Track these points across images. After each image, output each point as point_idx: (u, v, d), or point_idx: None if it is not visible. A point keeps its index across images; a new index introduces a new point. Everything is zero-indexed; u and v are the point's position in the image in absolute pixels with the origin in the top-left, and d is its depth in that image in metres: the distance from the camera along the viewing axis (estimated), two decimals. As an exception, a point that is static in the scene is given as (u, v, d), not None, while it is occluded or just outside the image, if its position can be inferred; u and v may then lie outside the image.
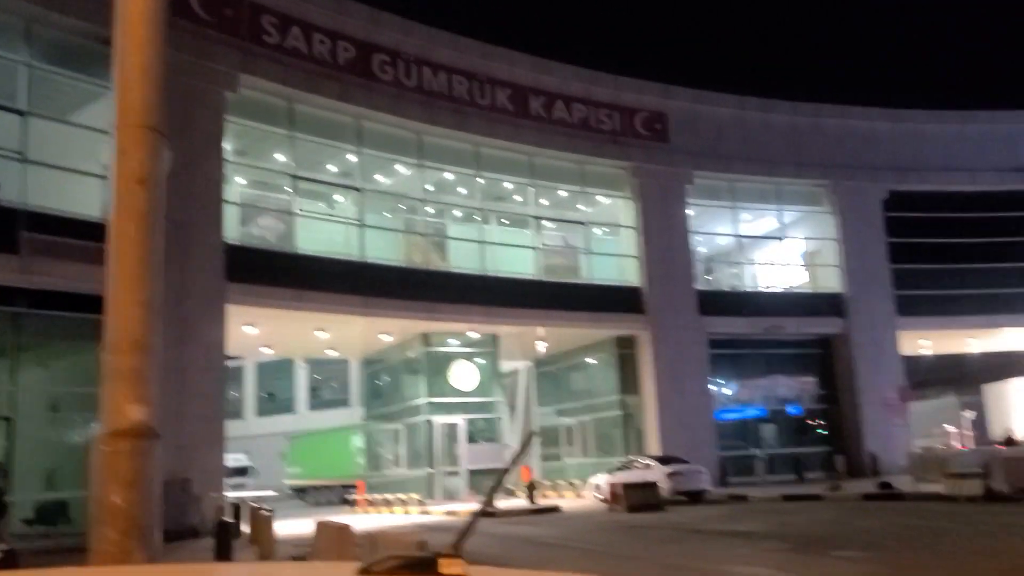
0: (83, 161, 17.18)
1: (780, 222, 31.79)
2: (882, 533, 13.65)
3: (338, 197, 25.17)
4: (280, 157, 23.18)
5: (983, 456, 20.16)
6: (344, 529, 9.63)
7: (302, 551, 11.85)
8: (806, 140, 30.79)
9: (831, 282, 31.06)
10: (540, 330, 26.85)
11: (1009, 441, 28.16)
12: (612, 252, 29.03)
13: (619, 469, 24.13)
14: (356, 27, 23.71)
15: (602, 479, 24.18)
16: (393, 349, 28.09)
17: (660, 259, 28.03)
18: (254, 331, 23.22)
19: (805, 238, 32.40)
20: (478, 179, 26.51)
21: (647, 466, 23.32)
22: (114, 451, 5.13)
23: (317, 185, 24.51)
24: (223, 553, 12.17)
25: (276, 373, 47.45)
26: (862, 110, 31.99)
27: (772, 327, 29.05)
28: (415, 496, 25.36)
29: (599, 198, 29.27)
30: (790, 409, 30.64)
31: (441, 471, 26.01)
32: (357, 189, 24.31)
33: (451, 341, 26.96)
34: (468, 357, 27.13)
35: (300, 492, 38.18)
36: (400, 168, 25.70)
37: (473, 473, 25.80)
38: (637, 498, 20.42)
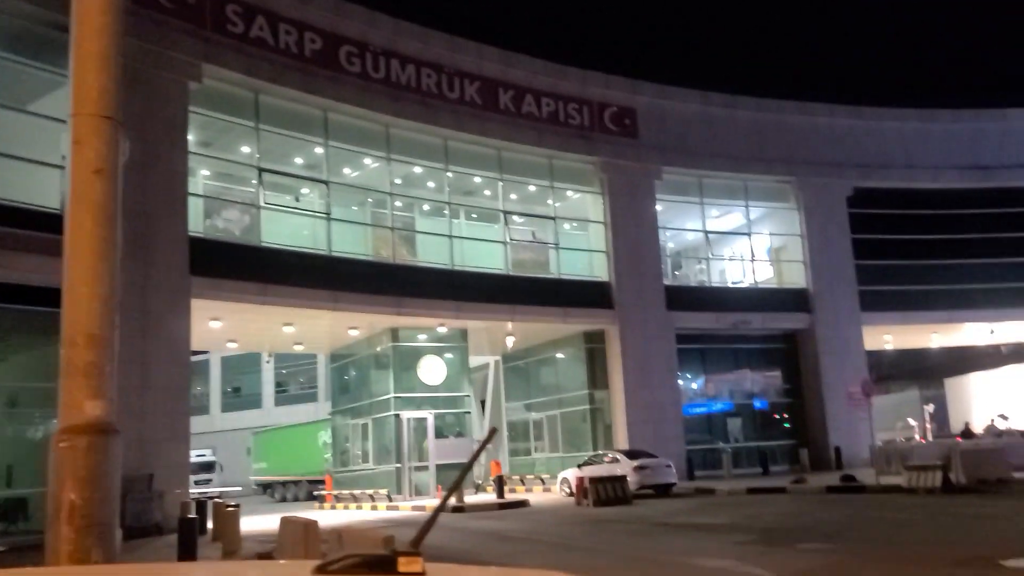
0: (41, 151, 16.80)
1: (747, 218, 32.08)
2: (844, 525, 13.85)
3: (305, 190, 24.92)
4: (246, 149, 22.88)
5: (943, 449, 20.53)
6: (310, 525, 9.54)
7: (268, 547, 11.73)
8: (771, 136, 31.10)
9: (797, 278, 31.44)
10: (509, 325, 26.85)
11: (967, 434, 28.74)
12: (581, 247, 29.09)
13: (587, 463, 24.23)
14: (322, 18, 23.46)
15: (570, 473, 24.26)
16: (361, 344, 27.92)
17: (629, 254, 28.16)
18: (219, 325, 22.95)
19: (771, 234, 32.75)
20: (447, 173, 26.40)
21: (615, 460, 23.44)
22: (71, 447, 5.02)
23: (283, 178, 24.23)
24: (186, 550, 12.01)
25: (242, 368, 47.01)
26: (825, 107, 32.37)
27: (739, 322, 29.33)
28: (383, 491, 25.26)
29: (568, 193, 29.31)
30: (756, 403, 30.98)
31: (409, 466, 25.94)
32: (324, 182, 24.08)
33: (420, 336, 26.86)
34: (437, 352, 27.05)
35: (266, 488, 37.92)
36: (368, 161, 25.51)
37: (442, 468, 25.75)
38: (605, 492, 20.53)
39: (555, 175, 28.26)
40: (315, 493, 30.23)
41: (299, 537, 9.48)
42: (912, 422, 35.34)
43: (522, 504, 22.41)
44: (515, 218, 28.34)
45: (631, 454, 23.79)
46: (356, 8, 24.47)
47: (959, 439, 25.90)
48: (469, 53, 26.45)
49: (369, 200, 26.01)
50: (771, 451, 29.41)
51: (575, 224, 29.71)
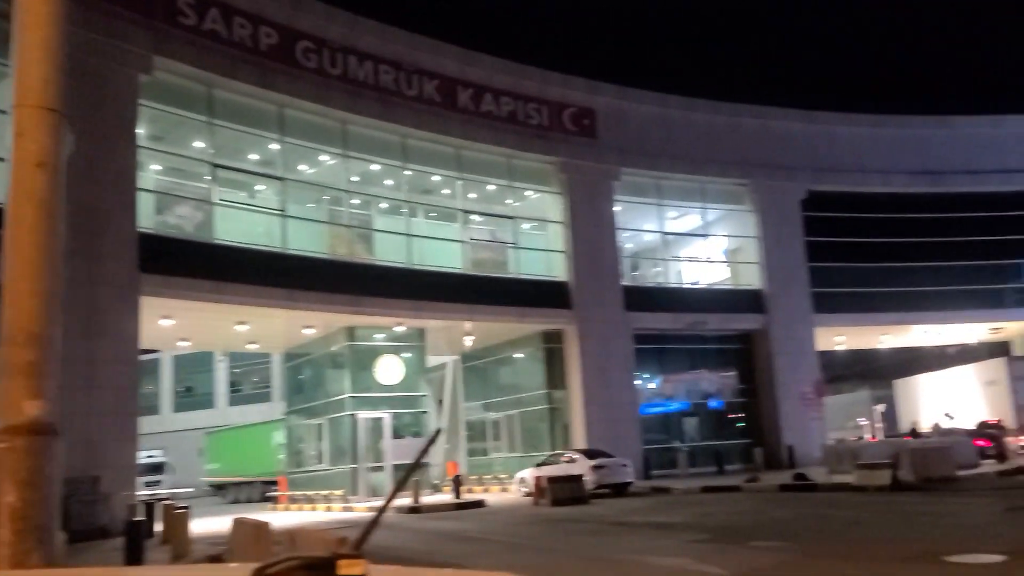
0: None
1: (704, 220, 32.44)
2: (796, 523, 14.06)
3: (260, 186, 24.54)
4: (199, 144, 22.45)
5: (892, 448, 20.96)
6: (261, 527, 9.38)
7: (219, 550, 11.51)
8: (727, 139, 31.45)
9: (752, 279, 31.86)
10: (467, 324, 26.76)
11: (915, 433, 29.43)
12: (540, 247, 29.09)
13: (545, 463, 24.25)
14: (278, 11, 23.11)
15: (528, 473, 24.26)
16: (317, 343, 27.59)
17: (587, 254, 28.26)
18: (170, 323, 22.45)
19: (727, 236, 33.15)
20: (405, 171, 26.21)
21: (572, 460, 23.50)
22: (9, 448, 4.86)
23: (237, 174, 23.83)
24: (133, 554, 11.73)
25: (195, 367, 46.19)
26: (778, 111, 32.83)
27: (696, 323, 29.61)
28: (338, 492, 24.99)
29: (527, 193, 29.31)
30: (712, 403, 31.33)
31: (365, 467, 25.71)
32: (279, 178, 23.74)
33: (377, 335, 26.63)
34: (394, 351, 26.84)
35: (219, 489, 37.31)
36: (324, 158, 25.21)
37: (398, 468, 25.54)
38: (562, 492, 20.55)
39: (514, 175, 28.24)
40: (269, 494, 29.82)
41: (251, 539, 9.32)
42: (863, 421, 36.13)
43: (479, 504, 22.36)
44: (474, 217, 28.27)
45: (589, 453, 23.87)
46: (313, 3, 24.18)
47: (907, 438, 26.51)
48: (428, 51, 26.29)
49: (326, 197, 25.71)
50: (726, 450, 29.76)
51: (534, 224, 29.72)
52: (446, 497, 24.18)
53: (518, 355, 30.85)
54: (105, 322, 17.90)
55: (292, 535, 8.40)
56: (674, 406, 30.79)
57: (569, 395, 28.12)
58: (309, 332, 26.20)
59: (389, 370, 26.44)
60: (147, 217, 20.30)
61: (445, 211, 27.74)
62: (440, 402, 33.15)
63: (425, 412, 28.06)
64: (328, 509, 23.95)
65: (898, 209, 32.89)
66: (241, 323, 24.17)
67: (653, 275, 32.42)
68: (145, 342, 21.28)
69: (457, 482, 24.06)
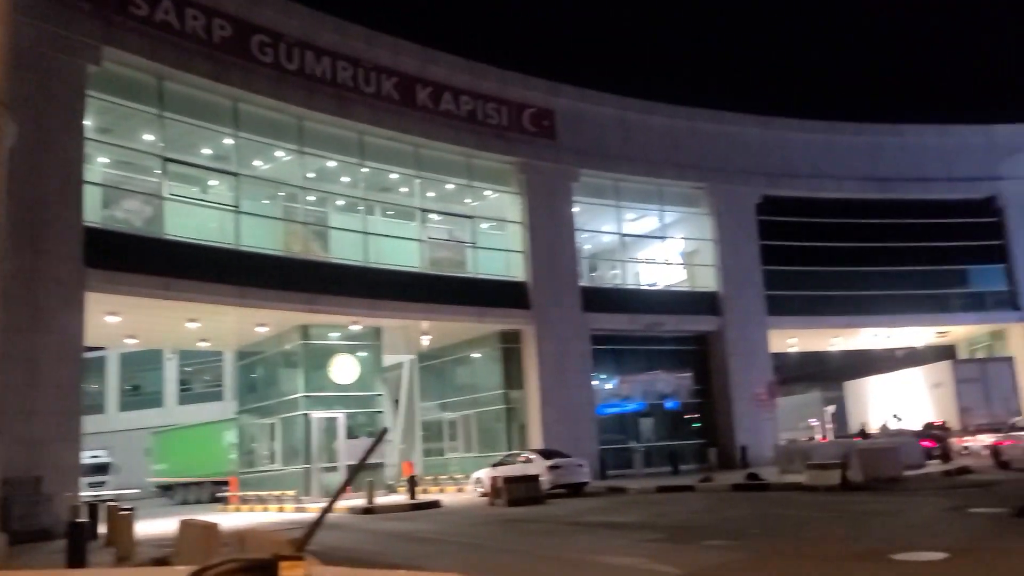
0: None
1: (661, 222, 32.69)
2: (748, 522, 14.19)
3: (213, 182, 24.07)
4: (149, 137, 21.91)
5: (841, 448, 21.30)
6: (210, 528, 9.15)
7: (165, 552, 11.22)
8: (684, 143, 31.75)
9: (708, 281, 32.18)
10: (424, 324, 26.57)
11: (864, 434, 30.00)
12: (498, 247, 29.02)
13: (501, 463, 24.19)
14: (233, 4, 22.66)
15: (484, 473, 24.18)
16: (270, 341, 27.17)
17: (545, 255, 28.27)
18: (117, 320, 21.88)
19: (684, 238, 33.45)
20: (362, 168, 25.94)
21: (528, 460, 23.47)
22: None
23: (189, 168, 23.35)
24: (75, 556, 11.38)
25: (142, 365, 45.19)
26: (734, 115, 33.21)
27: (652, 324, 29.82)
28: (290, 493, 24.61)
29: (486, 192, 29.23)
30: (668, 404, 31.57)
31: (318, 467, 25.36)
32: (233, 174, 23.31)
33: (332, 334, 26.30)
34: (349, 350, 26.54)
35: (167, 490, 36.56)
36: (279, 154, 24.84)
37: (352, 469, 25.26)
38: (518, 492, 20.51)
39: (473, 174, 28.13)
40: (219, 495, 29.28)
41: (199, 541, 9.08)
42: (814, 422, 36.74)
43: (434, 505, 22.20)
44: (432, 216, 28.09)
45: (545, 454, 23.86)
46: (271, -4, 23.79)
47: (857, 439, 26.99)
48: (387, 48, 26.05)
49: (280, 194, 25.33)
50: (681, 450, 30.01)
51: (493, 224, 29.65)
52: (401, 498, 23.97)
53: (475, 355, 30.75)
54: (48, 318, 17.38)
55: (242, 536, 8.19)
56: (630, 407, 30.95)
57: (526, 395, 28.10)
58: (262, 330, 25.78)
59: (344, 369, 26.15)
60: (94, 211, 19.76)
61: (403, 209, 27.53)
62: (396, 402, 32.90)
63: (380, 412, 27.78)
64: (281, 510, 23.58)
65: (850, 214, 33.55)
66: (192, 320, 23.69)
67: (611, 276, 32.58)
68: (90, 339, 20.68)
69: (412, 482, 23.87)
